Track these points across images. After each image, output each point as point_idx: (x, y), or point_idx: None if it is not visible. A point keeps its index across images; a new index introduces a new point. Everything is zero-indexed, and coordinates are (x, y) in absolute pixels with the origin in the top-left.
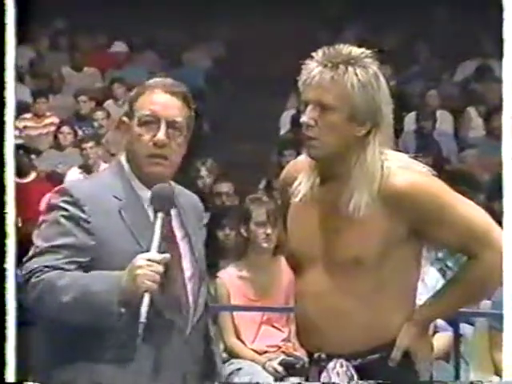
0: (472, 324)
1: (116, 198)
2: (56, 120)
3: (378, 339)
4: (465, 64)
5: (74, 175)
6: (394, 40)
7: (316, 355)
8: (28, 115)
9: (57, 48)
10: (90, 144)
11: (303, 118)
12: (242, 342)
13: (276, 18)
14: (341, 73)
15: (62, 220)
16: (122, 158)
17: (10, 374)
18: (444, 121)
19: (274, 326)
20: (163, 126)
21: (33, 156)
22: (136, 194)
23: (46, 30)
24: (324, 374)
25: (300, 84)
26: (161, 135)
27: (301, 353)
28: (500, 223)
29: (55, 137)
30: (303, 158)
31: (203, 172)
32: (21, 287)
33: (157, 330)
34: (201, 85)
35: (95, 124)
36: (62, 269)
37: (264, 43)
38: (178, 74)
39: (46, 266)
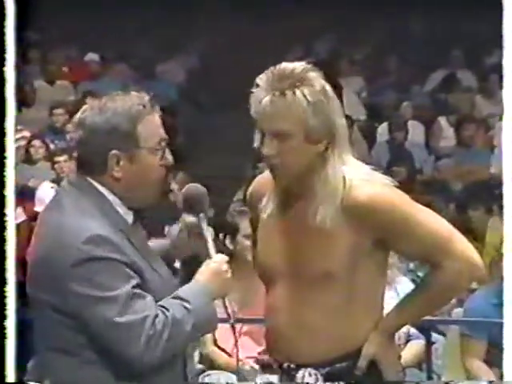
0: (443, 333)
1: (121, 230)
2: (27, 134)
3: (346, 348)
4: (434, 75)
5: (45, 189)
6: (365, 51)
7: (285, 365)
8: None
9: (28, 61)
10: (63, 157)
11: (264, 151)
12: (221, 349)
13: (250, 31)
14: (290, 99)
15: (119, 266)
16: (99, 186)
17: (10, 374)
18: (415, 131)
19: (252, 338)
20: (167, 149)
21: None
22: (125, 220)
23: (18, 42)
24: None
25: (252, 113)
26: (170, 158)
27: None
28: (471, 230)
29: (26, 150)
30: (268, 174)
31: (173, 185)
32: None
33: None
34: (174, 97)
35: (68, 137)
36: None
37: (238, 56)
38: (152, 87)
39: (159, 308)
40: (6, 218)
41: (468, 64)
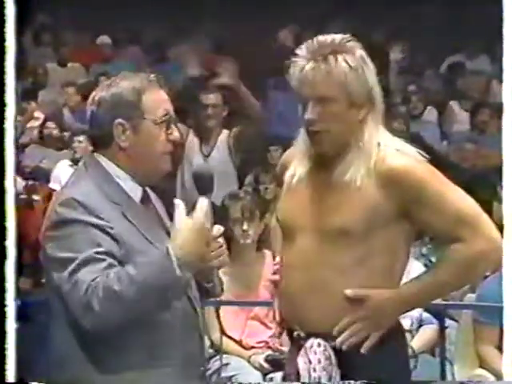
0: (455, 319)
1: (115, 203)
2: (40, 115)
3: None
4: (448, 59)
5: (62, 168)
6: (379, 35)
7: (295, 334)
8: None
9: (41, 43)
10: (80, 138)
11: (307, 116)
12: (229, 337)
13: (263, 14)
14: (332, 64)
15: (90, 230)
16: (102, 159)
17: (10, 374)
18: (429, 114)
19: (261, 323)
20: (174, 124)
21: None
22: (128, 195)
23: (30, 25)
24: (302, 353)
25: (293, 82)
26: (177, 134)
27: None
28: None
29: (40, 132)
30: (293, 150)
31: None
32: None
33: (180, 326)
34: (186, 80)
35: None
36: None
37: (250, 39)
38: (164, 69)
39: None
40: (6, 215)
41: (484, 49)
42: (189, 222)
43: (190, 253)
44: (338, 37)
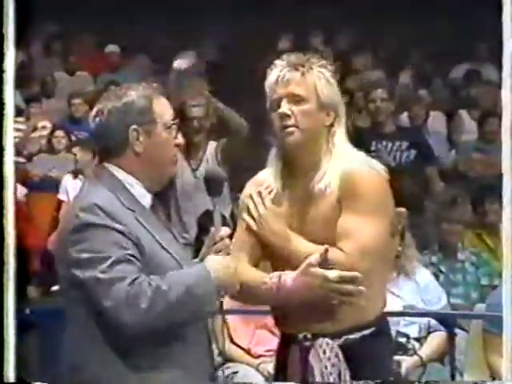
0: (465, 329)
1: (129, 209)
2: (48, 124)
3: (359, 320)
4: (457, 68)
5: (68, 180)
6: (386, 44)
7: (301, 335)
8: (20, 119)
9: (49, 52)
10: (82, 148)
11: (280, 110)
12: (237, 345)
13: (269, 22)
14: (308, 70)
15: (114, 234)
16: (113, 168)
17: (10, 374)
18: (437, 123)
19: (270, 331)
20: (177, 129)
21: (22, 160)
22: (138, 201)
23: (39, 34)
24: (312, 352)
25: (269, 85)
26: (181, 138)
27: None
28: (485, 224)
29: (48, 141)
30: (262, 174)
31: None
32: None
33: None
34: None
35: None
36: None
37: (257, 48)
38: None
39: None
40: (6, 217)
41: (492, 58)
42: (223, 262)
43: (220, 280)
44: (313, 56)
